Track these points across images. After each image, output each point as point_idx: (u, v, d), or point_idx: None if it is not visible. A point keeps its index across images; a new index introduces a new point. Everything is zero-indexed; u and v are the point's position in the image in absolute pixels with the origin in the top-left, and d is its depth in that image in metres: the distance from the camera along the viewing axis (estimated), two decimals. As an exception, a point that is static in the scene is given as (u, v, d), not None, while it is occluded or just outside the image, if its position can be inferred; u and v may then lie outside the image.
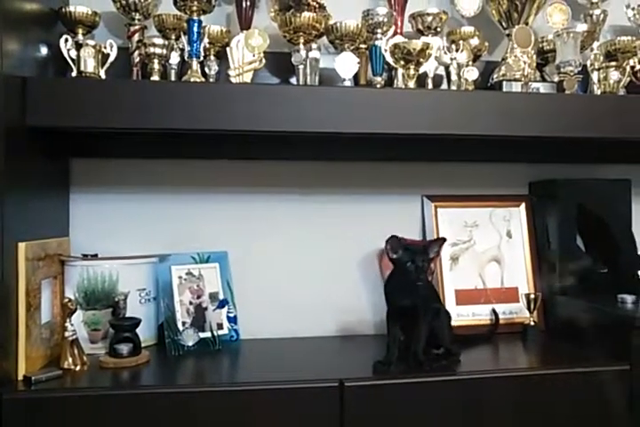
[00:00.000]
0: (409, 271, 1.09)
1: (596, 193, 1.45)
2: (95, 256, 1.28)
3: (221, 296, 1.31)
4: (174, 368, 1.16)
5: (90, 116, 1.06)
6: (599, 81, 1.32)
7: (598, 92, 1.32)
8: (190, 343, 1.23)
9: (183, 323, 1.25)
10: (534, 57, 1.27)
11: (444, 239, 1.17)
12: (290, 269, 1.43)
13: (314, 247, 1.44)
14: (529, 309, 1.36)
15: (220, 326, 1.29)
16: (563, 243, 1.42)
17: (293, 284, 1.43)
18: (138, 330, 1.18)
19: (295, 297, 1.42)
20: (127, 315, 1.22)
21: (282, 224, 1.44)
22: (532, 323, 1.36)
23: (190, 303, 1.28)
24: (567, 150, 1.42)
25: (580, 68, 1.27)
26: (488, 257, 1.47)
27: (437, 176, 1.50)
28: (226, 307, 1.31)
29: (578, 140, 1.24)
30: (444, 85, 1.38)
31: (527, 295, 1.37)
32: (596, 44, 1.36)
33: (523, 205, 1.51)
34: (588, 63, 1.34)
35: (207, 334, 1.26)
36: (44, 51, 1.17)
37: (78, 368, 1.11)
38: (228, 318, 1.31)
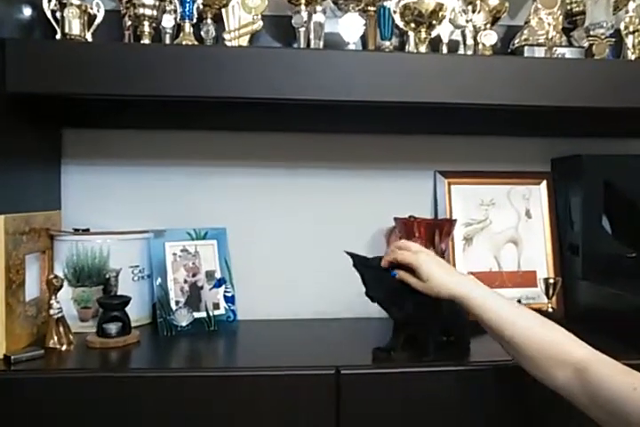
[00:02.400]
0: (375, 289, 1.01)
1: (625, 170, 1.33)
2: (86, 231, 1.22)
3: (218, 275, 1.25)
4: (165, 350, 1.10)
5: (74, 82, 0.99)
6: (634, 46, 1.19)
7: (632, 58, 1.19)
8: (184, 324, 1.18)
9: (177, 302, 1.19)
10: (560, 19, 1.14)
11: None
12: (292, 248, 1.36)
13: (318, 225, 1.37)
14: (547, 294, 1.27)
15: (216, 306, 1.23)
16: (587, 224, 1.31)
17: (295, 263, 1.36)
18: (129, 309, 1.12)
19: (297, 277, 1.35)
20: (119, 293, 1.16)
21: (285, 201, 1.36)
22: (551, 310, 1.26)
23: (185, 282, 1.22)
24: (594, 123, 1.30)
25: (612, 31, 1.15)
26: (505, 238, 1.37)
27: (451, 150, 1.41)
28: (223, 286, 1.24)
29: (607, 110, 1.12)
30: (460, 51, 1.27)
31: (546, 280, 1.27)
32: (631, 5, 1.22)
33: (544, 183, 1.41)
34: (622, 26, 1.21)
35: (202, 315, 1.20)
36: (27, 12, 1.09)
37: (64, 348, 1.06)
38: (225, 297, 1.24)
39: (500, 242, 1.37)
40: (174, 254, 1.22)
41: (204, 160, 1.34)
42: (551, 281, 1.27)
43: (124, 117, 1.25)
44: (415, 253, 0.95)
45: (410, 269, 0.94)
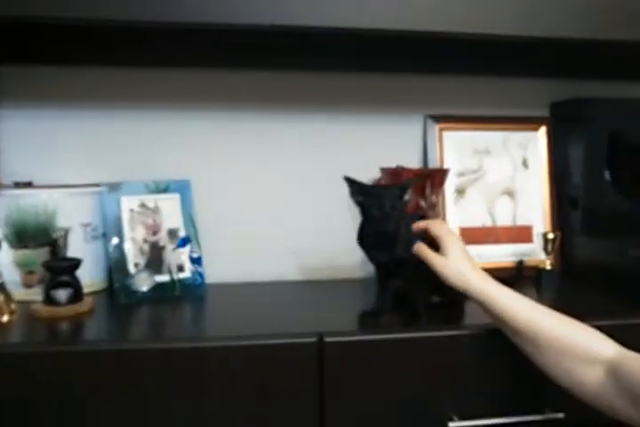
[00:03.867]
0: (375, 220, 0.88)
1: (633, 117, 1.21)
2: (29, 184, 1.07)
3: (182, 233, 1.11)
4: (123, 319, 0.97)
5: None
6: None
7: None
8: (144, 289, 1.04)
9: (135, 264, 1.05)
10: None
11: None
12: (265, 203, 1.22)
13: (293, 177, 1.23)
14: (546, 250, 1.16)
15: (180, 269, 1.09)
16: (588, 176, 1.20)
17: (269, 220, 1.22)
18: (81, 273, 0.98)
19: (271, 235, 1.22)
20: (68, 255, 1.01)
21: (257, 150, 1.21)
22: (549, 267, 1.16)
23: (144, 241, 1.07)
24: (601, 62, 1.17)
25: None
26: (499, 190, 1.26)
27: (443, 92, 1.27)
28: (188, 246, 1.11)
29: (618, 44, 0.99)
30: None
31: (544, 235, 1.16)
32: None
33: (542, 130, 1.28)
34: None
35: (165, 278, 1.07)
36: None
37: (5, 318, 0.91)
38: (191, 258, 1.11)
39: (494, 194, 1.25)
40: (131, 210, 1.07)
41: (166, 102, 1.17)
42: (550, 236, 1.16)
43: (69, 50, 1.07)
44: (450, 233, 0.88)
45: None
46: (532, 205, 1.26)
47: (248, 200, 1.21)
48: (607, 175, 1.21)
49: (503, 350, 0.85)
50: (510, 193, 1.26)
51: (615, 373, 0.69)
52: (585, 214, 1.19)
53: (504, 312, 0.79)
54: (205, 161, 1.19)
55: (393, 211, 0.86)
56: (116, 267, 1.04)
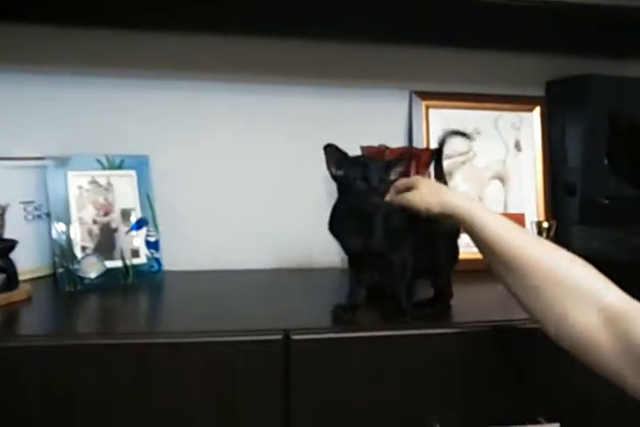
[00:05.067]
0: (359, 194, 0.75)
1: (634, 96, 1.11)
2: (-38, 156, 0.94)
3: (138, 214, 0.99)
4: (65, 310, 0.86)
5: None
6: None
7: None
8: (92, 275, 0.93)
9: (83, 248, 0.94)
10: None
11: (409, 159, 0.83)
12: (231, 183, 1.11)
13: (264, 155, 1.12)
14: (539, 240, 1.07)
15: (135, 254, 0.99)
16: (588, 160, 1.11)
17: (236, 201, 1.11)
18: (20, 256, 0.87)
19: (238, 218, 1.11)
20: (7, 236, 0.89)
21: (224, 124, 1.10)
22: (542, 258, 1.06)
23: (94, 222, 0.96)
24: (602, 36, 1.08)
25: None
26: (490, 174, 1.16)
27: (430, 67, 1.17)
28: (144, 228, 1.00)
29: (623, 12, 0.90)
30: None
31: (539, 223, 1.07)
32: None
33: (537, 110, 1.19)
34: None
35: (117, 264, 0.96)
36: None
37: None
38: (147, 242, 1.00)
39: (484, 178, 1.15)
40: (80, 187, 0.96)
41: (124, 68, 1.06)
42: (545, 225, 1.06)
43: (11, 5, 0.94)
44: (420, 178, 0.81)
45: None
46: (525, 191, 1.17)
47: (213, 179, 1.10)
48: (607, 160, 1.11)
49: (494, 351, 0.75)
50: (502, 178, 1.16)
51: (615, 321, 0.58)
52: (583, 202, 1.10)
53: (493, 238, 0.68)
54: (167, 135, 1.08)
55: (380, 185, 0.74)
56: (60, 251, 0.92)
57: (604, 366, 0.59)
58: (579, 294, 0.62)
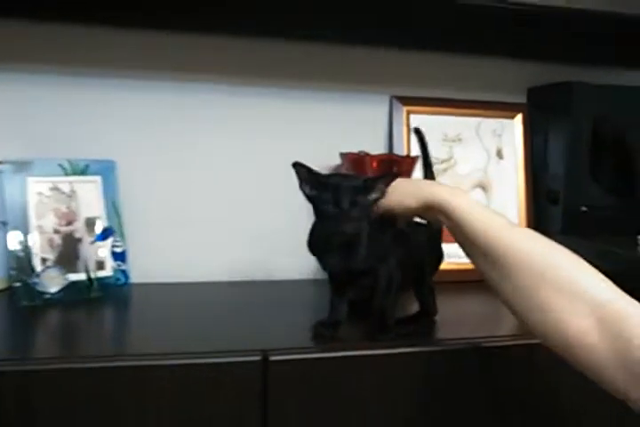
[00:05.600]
0: (329, 219, 0.69)
1: (619, 104, 1.10)
2: None
3: (104, 224, 0.93)
4: (22, 328, 0.79)
5: None
6: None
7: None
8: (53, 290, 0.86)
9: (43, 260, 0.87)
10: None
11: (394, 175, 0.72)
12: (203, 190, 1.05)
13: (237, 162, 1.06)
14: (522, 250, 1.04)
15: (100, 266, 0.92)
16: (569, 167, 1.09)
17: (207, 210, 1.05)
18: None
19: (209, 228, 1.05)
20: (-42, 247, 0.83)
21: (196, 126, 1.04)
22: (525, 269, 1.04)
23: (56, 232, 0.89)
24: (585, 44, 1.07)
25: None
26: (472, 182, 1.13)
27: (410, 71, 1.12)
28: (110, 239, 0.93)
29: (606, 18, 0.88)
30: None
31: (522, 233, 1.04)
32: None
33: (519, 117, 1.16)
34: None
35: (80, 277, 0.90)
36: None
37: None
38: (114, 254, 0.94)
39: (466, 186, 1.12)
40: (40, 194, 0.89)
41: (85, 66, 0.98)
42: (528, 235, 1.04)
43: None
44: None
45: None
46: (508, 199, 1.14)
47: (183, 187, 1.04)
48: (590, 169, 1.10)
49: (488, 369, 0.71)
50: (483, 186, 1.13)
51: (609, 324, 0.53)
52: (566, 211, 1.07)
53: (476, 232, 0.62)
54: (134, 138, 1.01)
55: (351, 208, 0.67)
56: (17, 263, 0.85)
57: (597, 369, 0.54)
58: (573, 294, 0.56)
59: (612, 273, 0.92)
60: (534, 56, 1.16)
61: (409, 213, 0.72)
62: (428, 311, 0.83)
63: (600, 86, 1.09)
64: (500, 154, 1.15)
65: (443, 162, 1.11)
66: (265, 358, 0.68)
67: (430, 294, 0.83)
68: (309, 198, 0.71)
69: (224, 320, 0.83)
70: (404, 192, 0.70)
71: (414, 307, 0.83)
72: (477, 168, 1.13)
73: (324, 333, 0.76)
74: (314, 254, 0.75)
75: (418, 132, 0.84)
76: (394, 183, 0.70)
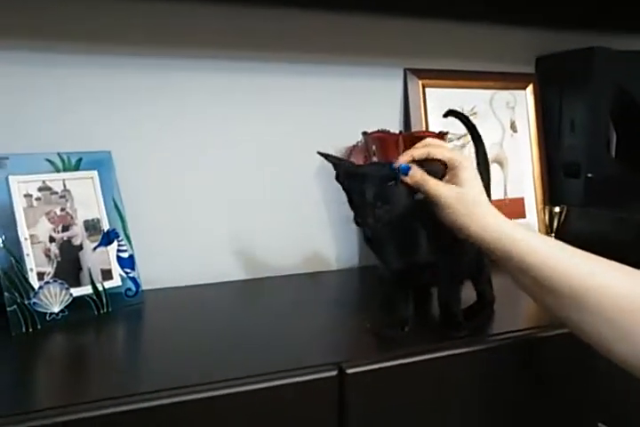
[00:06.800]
0: (356, 210, 0.62)
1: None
2: None
3: (106, 226, 0.79)
4: (20, 362, 0.64)
5: None
6: None
7: None
8: (56, 309, 0.72)
9: (40, 275, 0.72)
10: None
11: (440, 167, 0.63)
12: (211, 180, 0.92)
13: (247, 148, 0.94)
14: (550, 226, 1.00)
15: (106, 275, 0.78)
16: (591, 139, 1.04)
17: (218, 203, 0.93)
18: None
19: (223, 222, 0.93)
20: None
21: (201, 108, 0.91)
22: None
23: (52, 240, 0.75)
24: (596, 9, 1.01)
25: None
26: (489, 158, 1.06)
27: (423, 42, 1.03)
28: (115, 242, 0.79)
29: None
30: None
31: (550, 209, 1.00)
32: None
33: (530, 88, 1.10)
34: None
35: (86, 290, 0.76)
36: None
37: None
38: (120, 260, 0.80)
39: (485, 163, 1.05)
40: (28, 196, 0.74)
41: (78, 43, 0.82)
42: (556, 210, 1.00)
43: None
44: (465, 157, 0.63)
45: None
46: (523, 173, 1.09)
47: (191, 178, 0.91)
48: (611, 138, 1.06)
49: (565, 357, 0.65)
50: (500, 161, 1.07)
51: None
52: (588, 183, 1.03)
53: (553, 277, 0.55)
54: (132, 126, 0.86)
55: (376, 201, 0.59)
56: (7, 280, 0.70)
57: None
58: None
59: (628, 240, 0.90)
60: (543, 24, 1.10)
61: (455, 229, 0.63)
62: (487, 301, 0.77)
63: (623, 52, 1.04)
64: (514, 127, 1.09)
65: (460, 138, 1.03)
66: (341, 371, 0.59)
67: (488, 283, 0.77)
68: (344, 190, 0.64)
69: (264, 327, 0.73)
70: (463, 217, 0.59)
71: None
72: (494, 142, 1.07)
73: (393, 335, 0.68)
74: (374, 252, 0.68)
75: (458, 114, 0.75)
76: (463, 178, 0.60)
